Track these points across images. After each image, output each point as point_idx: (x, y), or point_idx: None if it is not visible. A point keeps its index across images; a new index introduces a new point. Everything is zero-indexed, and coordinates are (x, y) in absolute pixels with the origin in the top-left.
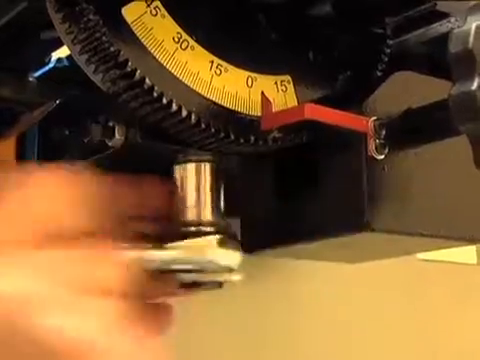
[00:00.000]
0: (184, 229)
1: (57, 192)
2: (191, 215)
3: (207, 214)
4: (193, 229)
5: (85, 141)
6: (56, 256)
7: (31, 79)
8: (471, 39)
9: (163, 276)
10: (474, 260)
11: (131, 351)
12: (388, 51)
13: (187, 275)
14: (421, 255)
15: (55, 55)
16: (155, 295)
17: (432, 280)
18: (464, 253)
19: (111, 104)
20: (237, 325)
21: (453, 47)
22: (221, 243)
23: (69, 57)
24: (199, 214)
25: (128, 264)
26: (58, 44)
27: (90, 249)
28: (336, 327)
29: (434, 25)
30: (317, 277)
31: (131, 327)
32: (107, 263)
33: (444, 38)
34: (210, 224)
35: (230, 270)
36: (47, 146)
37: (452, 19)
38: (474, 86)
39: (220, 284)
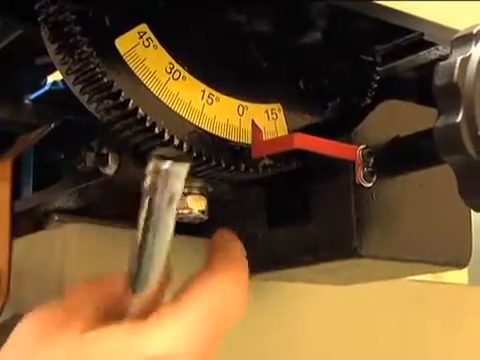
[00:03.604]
0: None
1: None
2: None
3: None
4: None
5: (79, 167)
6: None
7: (27, 102)
8: (456, 72)
9: None
10: (465, 280)
11: None
12: (378, 78)
13: None
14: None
15: (51, 78)
16: None
17: (422, 300)
18: (455, 274)
19: (105, 131)
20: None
21: (438, 80)
22: None
23: (64, 81)
24: None
25: None
26: (53, 68)
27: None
28: (327, 348)
29: (422, 52)
30: (307, 299)
31: None
32: None
33: (432, 65)
34: None
35: None
36: (43, 169)
37: (440, 47)
38: (458, 119)
39: None
